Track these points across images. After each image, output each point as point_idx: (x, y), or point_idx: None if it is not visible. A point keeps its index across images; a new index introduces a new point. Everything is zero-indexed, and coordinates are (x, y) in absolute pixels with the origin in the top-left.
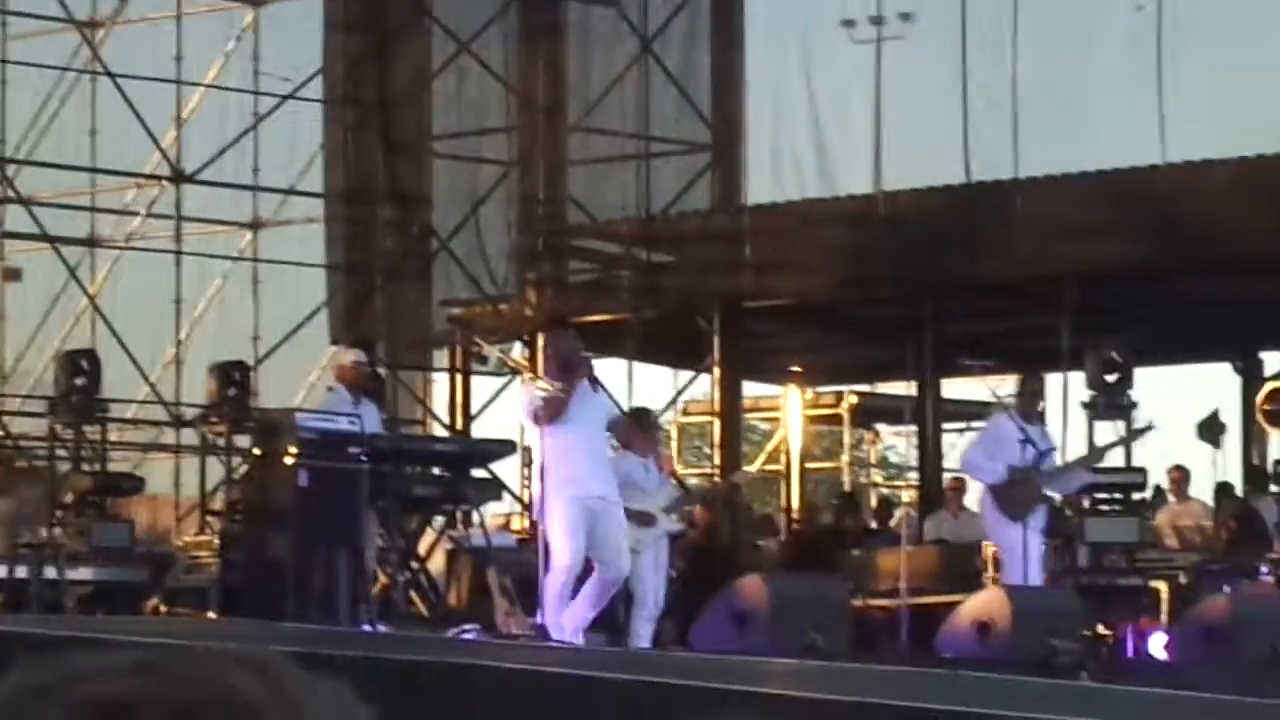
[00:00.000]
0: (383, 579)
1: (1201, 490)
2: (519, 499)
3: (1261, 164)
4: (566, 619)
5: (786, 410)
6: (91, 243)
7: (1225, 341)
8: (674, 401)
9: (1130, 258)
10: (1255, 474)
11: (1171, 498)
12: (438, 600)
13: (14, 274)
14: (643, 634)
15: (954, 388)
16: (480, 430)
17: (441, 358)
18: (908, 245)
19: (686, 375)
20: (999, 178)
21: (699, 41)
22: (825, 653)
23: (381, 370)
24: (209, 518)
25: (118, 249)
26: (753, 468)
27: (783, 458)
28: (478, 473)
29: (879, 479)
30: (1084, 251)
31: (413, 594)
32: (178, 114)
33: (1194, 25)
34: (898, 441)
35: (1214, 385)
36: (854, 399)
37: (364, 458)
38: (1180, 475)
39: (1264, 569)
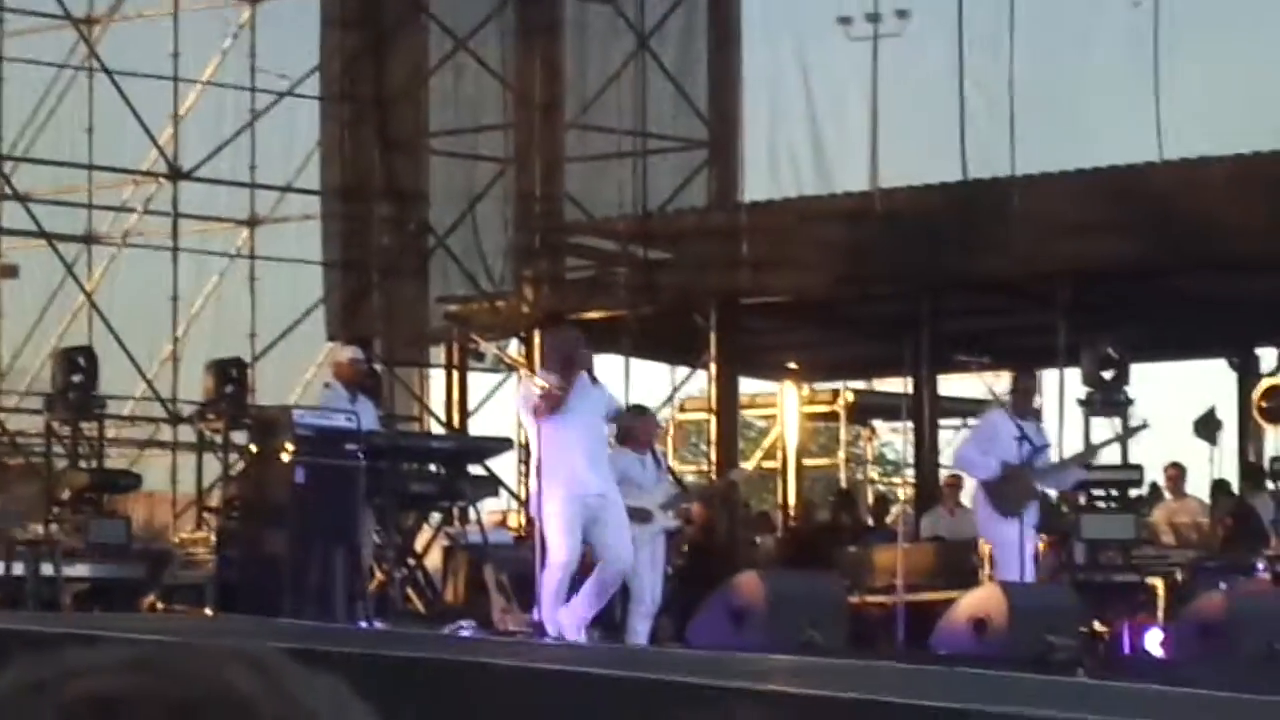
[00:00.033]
0: (379, 575)
1: (1198, 487)
2: (515, 495)
3: (1258, 161)
4: (567, 616)
5: (783, 407)
6: (88, 240)
7: (1221, 338)
8: (671, 398)
9: (1127, 255)
10: (1251, 471)
11: (1168, 495)
12: (434, 597)
13: (11, 271)
14: (640, 631)
15: (950, 384)
16: (477, 427)
17: (438, 354)
18: (904, 242)
19: (683, 372)
20: (996, 175)
21: (696, 39)
22: (822, 649)
23: (378, 367)
24: (206, 514)
25: (115, 246)
26: (749, 464)
27: (779, 454)
28: (474, 469)
29: (875, 476)
30: (1081, 249)
31: (409, 590)
32: (174, 111)
33: (1191, 23)
34: (894, 438)
35: (1210, 382)
36: (850, 396)
37: (361, 454)
38: (1176, 472)
39: (1260, 566)
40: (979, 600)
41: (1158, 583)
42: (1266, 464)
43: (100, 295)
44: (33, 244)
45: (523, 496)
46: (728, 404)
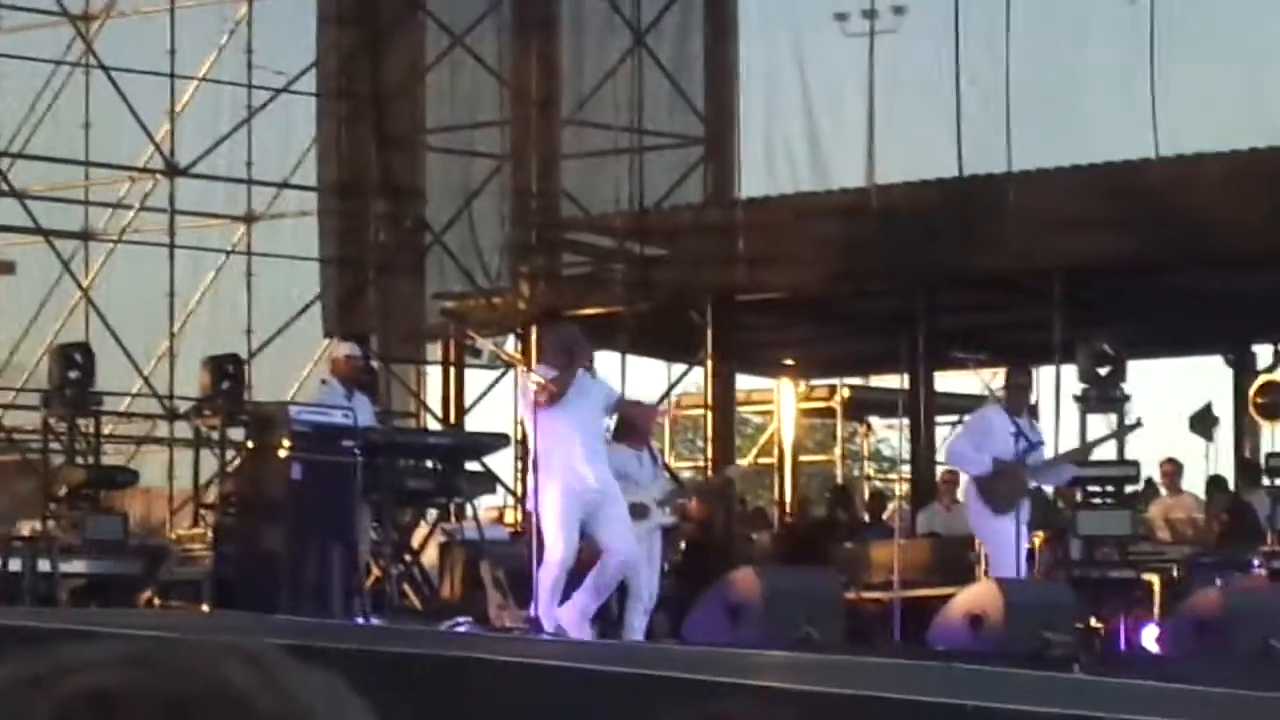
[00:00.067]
0: (376, 572)
1: (1194, 483)
2: (512, 492)
3: (1253, 158)
4: (568, 612)
5: (779, 403)
6: (85, 236)
7: (1217, 335)
8: (667, 395)
9: (1123, 251)
10: (1247, 467)
11: (1164, 491)
12: (431, 593)
13: (8, 267)
14: (636, 626)
15: (947, 381)
16: (473, 423)
17: (435, 351)
18: (901, 239)
19: (680, 368)
20: (992, 171)
21: (692, 35)
22: (818, 645)
23: (375, 364)
24: (202, 511)
25: (111, 242)
26: (745, 461)
27: (775, 451)
28: (471, 466)
29: (872, 472)
30: (1077, 245)
31: (406, 587)
32: (171, 107)
33: (1186, 20)
34: (890, 434)
35: (1206, 378)
36: (847, 392)
37: (357, 451)
38: (1173, 468)
39: (1256, 562)
40: (975, 596)
41: (1154, 579)
42: (1262, 460)
43: (97, 291)
44: (29, 240)
45: (519, 492)
46: (724, 400)
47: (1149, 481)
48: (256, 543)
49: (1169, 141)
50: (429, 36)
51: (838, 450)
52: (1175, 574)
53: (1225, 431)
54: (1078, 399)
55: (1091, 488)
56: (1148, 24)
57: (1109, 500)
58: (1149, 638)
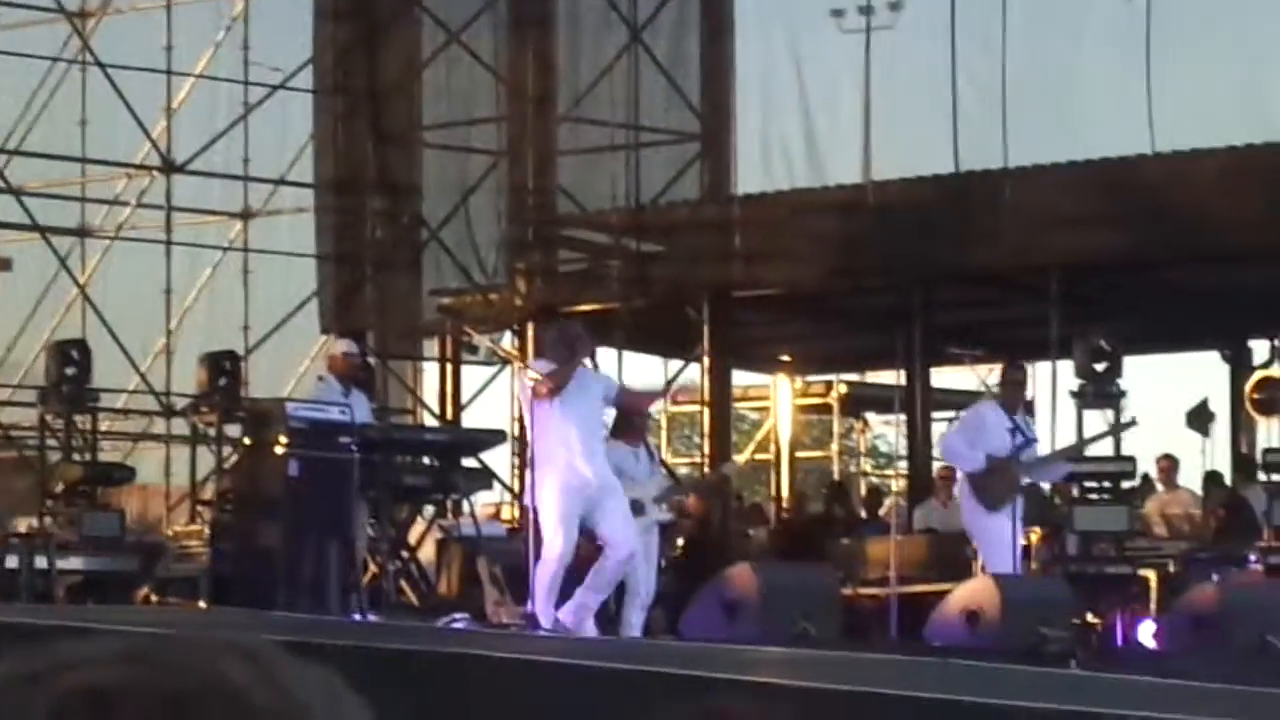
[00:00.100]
0: (373, 568)
1: (1190, 479)
2: (509, 488)
3: (1249, 154)
4: (572, 609)
5: (776, 399)
6: (82, 233)
7: (1214, 330)
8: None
9: (1119, 247)
10: (1244, 462)
11: (1160, 486)
12: (428, 589)
13: (4, 264)
14: (633, 623)
15: (943, 377)
16: (470, 420)
17: (431, 347)
18: (897, 235)
19: (676, 365)
20: (988, 167)
21: (688, 31)
22: (815, 641)
23: (372, 360)
24: (199, 507)
25: (108, 239)
26: (742, 457)
27: (772, 447)
28: (468, 462)
29: (868, 468)
30: (1073, 241)
31: (403, 583)
32: (168, 104)
33: (1182, 16)
34: (887, 430)
35: (1203, 374)
36: (843, 388)
37: (354, 447)
38: (1169, 464)
39: (1252, 557)
40: (972, 592)
41: (1150, 574)
42: (1259, 456)
43: (94, 288)
44: (26, 237)
45: (516, 489)
46: (720, 396)
47: (1145, 477)
48: (253, 539)
49: (1165, 137)
50: (425, 33)
51: (834, 446)
52: (1172, 569)
53: (1222, 427)
54: (1074, 395)
55: (1088, 483)
56: (1144, 20)
57: (1106, 496)
58: (1146, 633)
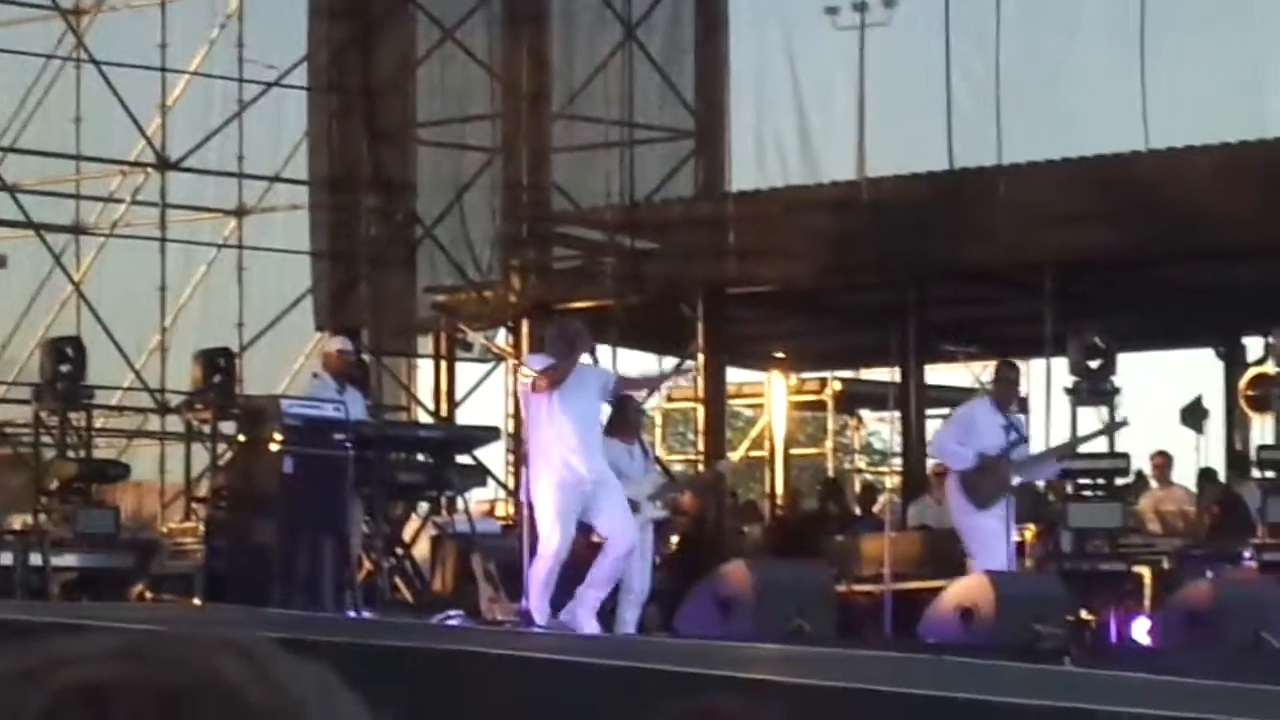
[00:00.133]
0: (367, 565)
1: (1184, 476)
2: (503, 485)
3: (1243, 151)
4: (576, 607)
5: (770, 396)
6: (76, 230)
7: (1208, 327)
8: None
9: (1113, 244)
10: (1238, 459)
11: (1154, 483)
12: (422, 586)
13: None
14: (628, 620)
15: (938, 374)
16: (464, 417)
17: (426, 344)
18: (891, 231)
19: (671, 362)
20: (982, 164)
21: (683, 28)
22: (809, 638)
23: (366, 357)
24: (194, 504)
25: (103, 236)
26: (737, 454)
27: (767, 444)
28: (462, 459)
29: (863, 465)
30: (1067, 238)
31: (397, 580)
32: (162, 101)
33: (1176, 12)
34: (881, 427)
35: (1197, 371)
36: (838, 385)
37: (349, 444)
38: (1163, 460)
39: (1247, 554)
40: (966, 589)
41: (1144, 571)
42: (1253, 453)
43: (88, 285)
44: (21, 234)
45: (511, 486)
46: (715, 393)
47: (1139, 474)
48: (248, 536)
49: (1160, 134)
50: (420, 30)
51: (829, 443)
52: (1166, 566)
53: (1216, 424)
54: (1068, 392)
55: (1082, 480)
56: (1138, 17)
57: (1100, 493)
58: (1140, 630)
